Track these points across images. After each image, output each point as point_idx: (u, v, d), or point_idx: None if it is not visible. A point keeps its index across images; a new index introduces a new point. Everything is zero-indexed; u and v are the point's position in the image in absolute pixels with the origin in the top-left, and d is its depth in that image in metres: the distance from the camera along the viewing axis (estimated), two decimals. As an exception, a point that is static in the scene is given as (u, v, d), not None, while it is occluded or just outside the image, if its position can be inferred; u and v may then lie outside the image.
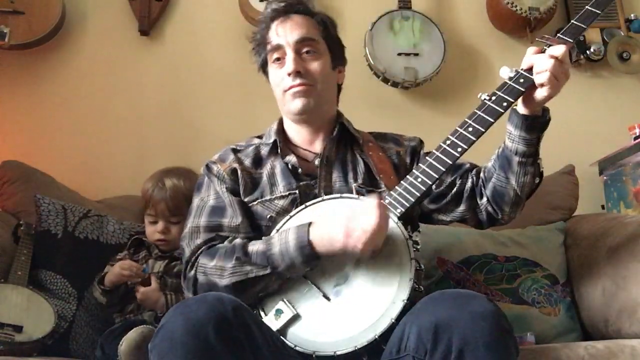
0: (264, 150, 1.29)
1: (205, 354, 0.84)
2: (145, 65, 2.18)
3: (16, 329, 1.33)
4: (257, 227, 1.19)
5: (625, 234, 1.44)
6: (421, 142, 1.37)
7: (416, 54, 2.12)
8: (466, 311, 0.87)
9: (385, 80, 2.13)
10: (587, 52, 2.23)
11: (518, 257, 1.61)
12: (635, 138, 1.95)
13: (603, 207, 2.11)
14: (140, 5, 2.15)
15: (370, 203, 1.00)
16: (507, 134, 1.14)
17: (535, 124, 1.10)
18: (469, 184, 1.24)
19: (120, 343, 1.22)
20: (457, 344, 0.85)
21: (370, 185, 1.23)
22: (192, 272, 1.12)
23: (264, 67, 1.32)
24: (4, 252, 1.56)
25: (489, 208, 1.22)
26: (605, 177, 2.10)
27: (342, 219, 1.00)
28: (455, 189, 1.25)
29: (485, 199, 1.21)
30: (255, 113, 2.09)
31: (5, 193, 1.76)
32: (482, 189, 1.22)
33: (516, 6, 2.14)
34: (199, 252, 1.13)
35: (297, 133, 1.31)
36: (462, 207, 1.25)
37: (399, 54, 2.11)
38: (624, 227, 1.47)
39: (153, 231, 1.64)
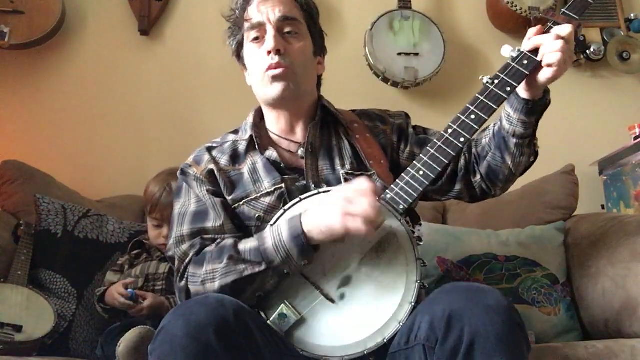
0: (242, 146, 1.22)
1: (206, 357, 0.83)
2: (145, 65, 2.18)
3: (16, 329, 1.33)
4: (243, 229, 1.14)
5: (625, 233, 1.44)
6: (407, 117, 1.32)
7: (416, 54, 2.12)
8: (480, 303, 0.86)
9: (385, 80, 2.13)
10: (587, 52, 2.23)
11: (518, 257, 1.61)
12: (635, 138, 1.95)
13: (603, 207, 2.11)
14: (140, 5, 2.16)
15: (361, 183, 0.97)
16: (504, 116, 1.11)
17: (536, 107, 1.07)
18: (462, 162, 1.22)
19: (118, 344, 1.21)
20: (468, 334, 0.84)
21: (359, 170, 1.18)
22: (183, 282, 1.08)
23: (238, 50, 1.24)
24: (4, 252, 1.56)
25: (483, 185, 1.20)
26: (605, 177, 2.11)
27: (336, 203, 0.96)
28: (450, 169, 1.21)
29: (479, 176, 1.20)
30: (255, 113, 2.09)
31: (5, 193, 1.76)
32: (476, 165, 1.20)
33: (516, 6, 2.14)
34: (187, 260, 1.09)
35: (276, 122, 1.23)
36: (457, 187, 1.23)
37: (399, 54, 2.11)
38: (624, 227, 1.47)
39: (157, 235, 1.62)
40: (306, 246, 0.98)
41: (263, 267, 1.00)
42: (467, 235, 1.68)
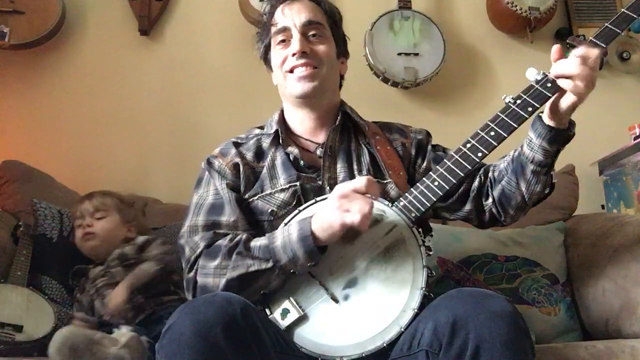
0: (266, 142, 1.25)
1: (213, 355, 0.83)
2: (145, 65, 2.18)
3: (16, 329, 1.33)
4: (257, 224, 1.16)
5: (625, 233, 1.44)
6: (428, 135, 1.33)
7: (416, 54, 2.12)
8: (484, 309, 0.86)
9: (385, 80, 2.13)
10: (587, 52, 2.23)
11: (518, 257, 1.61)
12: (635, 138, 1.95)
13: (603, 207, 2.12)
14: (140, 5, 2.16)
15: (357, 180, 0.99)
16: (526, 141, 1.10)
17: (559, 136, 1.07)
18: (475, 183, 1.22)
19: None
20: (473, 340, 0.84)
21: (375, 177, 1.19)
22: (192, 273, 1.09)
23: (266, 53, 1.29)
24: (3, 252, 1.55)
25: (494, 209, 1.20)
26: (605, 177, 2.11)
27: (333, 201, 0.98)
28: (462, 188, 1.22)
29: (490, 199, 1.20)
30: (255, 112, 2.09)
31: (5, 193, 1.75)
32: (490, 189, 1.20)
33: (516, 6, 2.14)
34: (199, 251, 1.10)
35: (300, 122, 1.27)
36: (467, 207, 1.23)
37: (399, 54, 2.11)
38: (624, 227, 1.47)
39: (80, 233, 1.58)
40: (313, 248, 0.99)
41: (270, 264, 1.02)
42: (467, 235, 1.68)
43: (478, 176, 1.22)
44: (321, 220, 0.99)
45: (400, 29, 2.15)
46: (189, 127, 2.14)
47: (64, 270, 1.59)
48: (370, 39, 2.10)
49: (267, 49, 1.28)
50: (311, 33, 1.22)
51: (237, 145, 1.26)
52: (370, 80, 2.16)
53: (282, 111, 1.31)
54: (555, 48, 1.06)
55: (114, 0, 2.20)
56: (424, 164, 1.27)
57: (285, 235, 1.02)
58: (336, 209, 0.96)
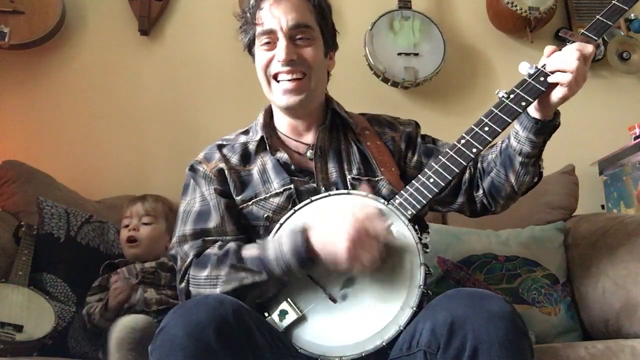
0: (252, 146, 1.22)
1: (206, 357, 0.83)
2: (145, 65, 2.18)
3: (17, 329, 1.33)
4: (251, 229, 1.15)
5: (625, 233, 1.44)
6: (417, 126, 1.32)
7: (416, 54, 2.12)
8: (483, 310, 0.86)
9: (385, 80, 2.13)
10: (587, 52, 2.23)
11: (518, 257, 1.61)
12: (635, 138, 1.95)
13: (603, 207, 2.12)
14: (140, 5, 2.16)
15: (371, 212, 0.98)
16: (513, 133, 1.11)
17: (545, 128, 1.08)
18: (466, 175, 1.22)
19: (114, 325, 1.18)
20: (471, 341, 0.84)
21: (366, 175, 1.19)
22: (184, 284, 1.08)
23: (250, 46, 1.23)
24: (4, 252, 1.56)
25: (484, 200, 1.21)
26: (605, 177, 2.11)
27: (346, 237, 0.95)
28: (453, 182, 1.21)
29: (481, 191, 1.20)
30: (254, 113, 2.08)
31: (5, 193, 1.76)
32: (479, 180, 1.21)
33: (516, 6, 2.14)
34: (188, 261, 1.09)
35: (287, 124, 1.25)
36: (460, 199, 1.24)
37: (399, 54, 2.11)
38: (624, 227, 1.47)
39: (125, 233, 1.64)
40: (307, 260, 0.99)
41: (264, 276, 1.01)
42: (467, 235, 1.68)
43: (468, 168, 1.22)
44: (327, 248, 0.98)
45: (400, 29, 2.15)
46: (189, 126, 2.14)
47: (71, 269, 1.60)
48: (370, 39, 2.10)
49: (252, 43, 1.22)
50: (298, 37, 1.16)
51: (221, 148, 1.24)
52: (370, 80, 2.16)
53: (267, 111, 1.29)
54: (550, 48, 1.07)
55: (114, 0, 2.20)
56: (415, 157, 1.27)
57: (277, 246, 1.01)
58: (348, 251, 0.95)
